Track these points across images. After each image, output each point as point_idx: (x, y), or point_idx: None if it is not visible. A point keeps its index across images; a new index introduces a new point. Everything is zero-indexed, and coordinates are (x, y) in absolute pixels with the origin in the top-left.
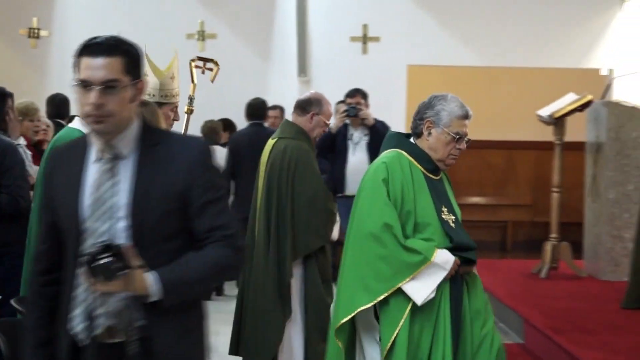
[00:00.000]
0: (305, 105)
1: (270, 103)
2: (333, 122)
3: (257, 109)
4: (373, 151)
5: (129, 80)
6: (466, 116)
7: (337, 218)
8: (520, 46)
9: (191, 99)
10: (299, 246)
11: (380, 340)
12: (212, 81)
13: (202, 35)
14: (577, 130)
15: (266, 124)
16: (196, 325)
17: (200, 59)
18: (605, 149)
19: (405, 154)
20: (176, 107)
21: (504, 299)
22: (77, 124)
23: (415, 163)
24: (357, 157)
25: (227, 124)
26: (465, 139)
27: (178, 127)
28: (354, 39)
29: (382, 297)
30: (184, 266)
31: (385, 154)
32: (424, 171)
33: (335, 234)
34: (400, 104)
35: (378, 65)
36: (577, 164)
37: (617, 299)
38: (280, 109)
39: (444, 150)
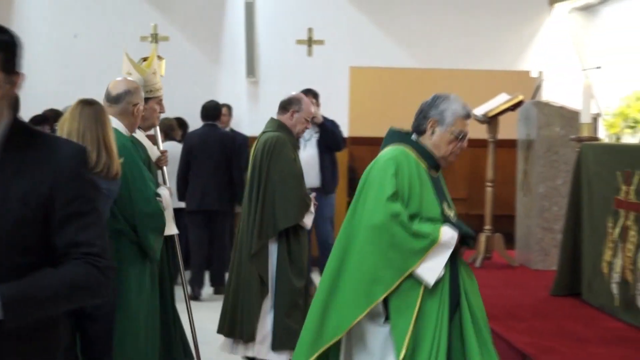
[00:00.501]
0: (286, 105)
1: (220, 102)
2: None
3: (211, 111)
4: (322, 147)
5: (3, 78)
6: (468, 116)
7: (312, 209)
8: (455, 49)
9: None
10: (268, 226)
11: (393, 327)
12: (161, 75)
13: (155, 38)
14: (509, 129)
15: (219, 125)
16: (52, 349)
17: (144, 59)
18: (536, 146)
19: (410, 150)
20: (161, 99)
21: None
22: None
23: (420, 160)
24: (307, 152)
25: (181, 123)
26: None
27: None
28: (299, 42)
29: (397, 284)
30: (32, 283)
31: (391, 150)
32: (426, 168)
33: (308, 222)
34: (343, 103)
35: (322, 66)
36: (509, 160)
37: (546, 286)
38: (228, 107)
39: (447, 148)
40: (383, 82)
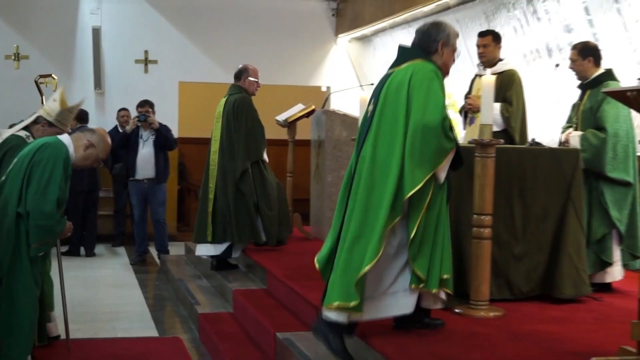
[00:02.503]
0: (238, 74)
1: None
2: (128, 126)
3: (83, 116)
4: (157, 146)
5: None
6: (458, 35)
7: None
8: (264, 68)
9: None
10: (245, 158)
11: (409, 218)
12: (54, 90)
13: (17, 57)
14: (304, 131)
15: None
16: None
17: (41, 76)
18: (325, 145)
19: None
20: (57, 134)
21: (253, 257)
22: None
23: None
24: (145, 150)
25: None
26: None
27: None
28: (137, 61)
29: (425, 179)
30: None
31: (425, 63)
32: None
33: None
34: (173, 111)
35: (156, 81)
36: (304, 156)
37: None
38: (85, 114)
39: (449, 64)
40: (206, 94)
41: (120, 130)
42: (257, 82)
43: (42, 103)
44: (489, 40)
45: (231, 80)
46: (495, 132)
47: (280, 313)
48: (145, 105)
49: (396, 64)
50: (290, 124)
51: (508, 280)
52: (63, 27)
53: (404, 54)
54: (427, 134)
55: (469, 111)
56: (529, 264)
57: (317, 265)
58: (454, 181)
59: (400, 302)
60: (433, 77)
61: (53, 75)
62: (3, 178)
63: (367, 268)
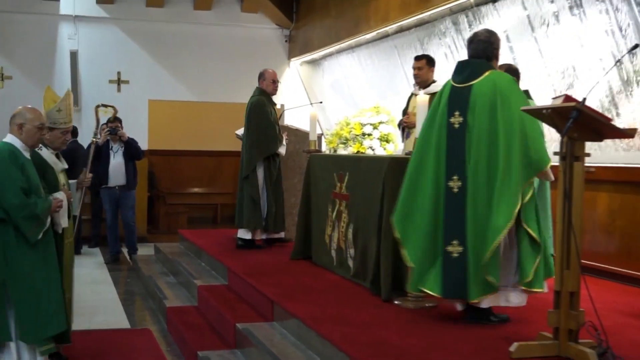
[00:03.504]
0: (259, 77)
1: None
2: (101, 138)
3: (74, 130)
4: (127, 157)
5: None
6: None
7: (284, 141)
8: (225, 88)
9: (94, 133)
10: (253, 156)
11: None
12: (111, 120)
13: (2, 77)
14: None
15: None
16: None
17: (103, 105)
18: (280, 156)
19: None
20: (66, 131)
21: (215, 255)
22: None
23: None
24: (116, 160)
25: None
26: None
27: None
28: (111, 81)
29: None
30: None
31: (499, 72)
32: None
33: (282, 151)
34: (144, 125)
35: (128, 99)
36: None
37: (288, 253)
38: (75, 130)
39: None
40: (173, 110)
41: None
42: (273, 83)
43: (97, 129)
44: (424, 64)
45: (194, 99)
46: None
47: (240, 306)
48: (115, 121)
49: (472, 77)
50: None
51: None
52: (44, 51)
53: (475, 66)
54: (537, 134)
55: (406, 127)
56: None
57: (412, 264)
58: (393, 188)
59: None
60: (514, 82)
61: (115, 107)
62: None
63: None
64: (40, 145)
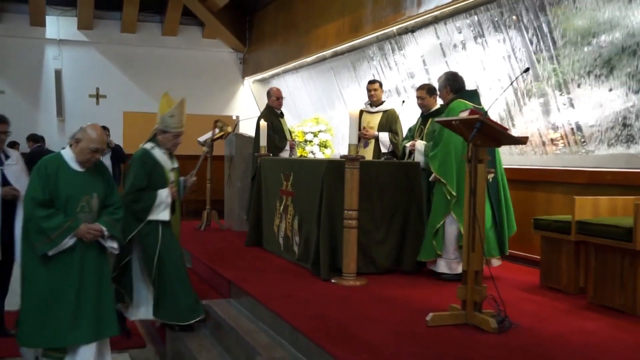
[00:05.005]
0: (267, 96)
1: (38, 134)
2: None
3: (39, 139)
4: (114, 160)
5: None
6: None
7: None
8: (189, 101)
9: (207, 141)
10: (253, 165)
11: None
12: (225, 137)
13: None
14: (220, 149)
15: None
16: None
17: (218, 120)
18: (235, 159)
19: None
20: (177, 135)
21: (182, 244)
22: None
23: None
24: (105, 162)
25: (12, 144)
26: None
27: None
28: (91, 95)
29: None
30: None
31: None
32: None
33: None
34: (119, 135)
35: (106, 111)
36: (220, 167)
37: (242, 240)
38: (42, 138)
39: None
40: (145, 121)
41: None
42: (277, 100)
43: (211, 138)
44: (377, 86)
45: None
46: (385, 153)
47: (202, 286)
48: (104, 130)
49: (477, 102)
50: (210, 143)
51: (372, 258)
52: (31, 69)
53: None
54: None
55: (362, 138)
56: (388, 246)
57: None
58: (330, 186)
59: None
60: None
61: (230, 128)
62: None
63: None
64: (154, 145)
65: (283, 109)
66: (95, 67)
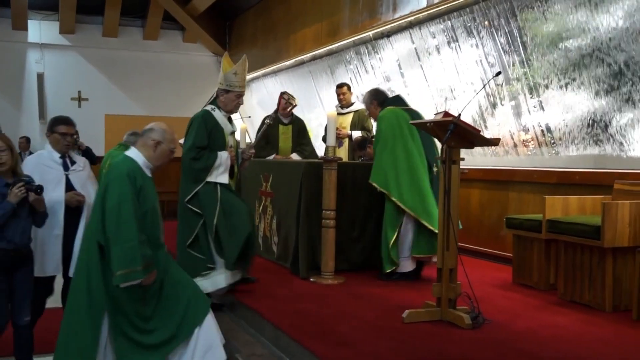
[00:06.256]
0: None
1: (22, 135)
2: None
3: (28, 140)
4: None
5: None
6: None
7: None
8: (168, 104)
9: (271, 116)
10: None
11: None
12: (288, 110)
13: None
14: None
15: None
16: None
17: (285, 92)
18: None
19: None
20: (239, 95)
21: None
22: None
23: None
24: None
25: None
26: None
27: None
28: (72, 98)
29: None
30: None
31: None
32: None
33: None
34: (101, 137)
35: (88, 114)
36: None
37: None
38: (27, 138)
39: None
40: (125, 123)
41: None
42: (279, 107)
43: (274, 113)
44: (346, 89)
45: (144, 113)
46: (360, 155)
47: None
48: (68, 125)
49: (404, 104)
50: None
51: (347, 256)
52: (14, 73)
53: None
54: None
55: (337, 138)
56: (362, 245)
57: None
58: (309, 187)
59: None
60: None
61: (295, 98)
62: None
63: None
64: (214, 106)
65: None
66: (77, 70)
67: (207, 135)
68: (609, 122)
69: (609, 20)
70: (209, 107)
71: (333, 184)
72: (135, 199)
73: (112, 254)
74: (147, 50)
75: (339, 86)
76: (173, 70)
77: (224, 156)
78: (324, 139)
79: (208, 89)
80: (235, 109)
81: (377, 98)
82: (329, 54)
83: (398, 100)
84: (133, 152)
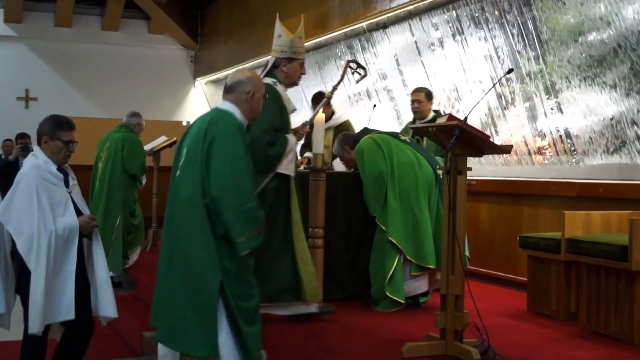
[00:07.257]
0: None
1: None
2: (12, 155)
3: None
4: None
5: None
6: None
7: None
8: (132, 105)
9: (333, 87)
10: None
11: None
12: (357, 82)
13: None
14: (168, 159)
15: None
16: None
17: (353, 61)
18: None
19: None
20: (302, 62)
21: (126, 269)
22: None
23: None
24: None
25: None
26: None
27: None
28: (19, 98)
29: None
30: None
31: None
32: None
33: None
34: None
35: (37, 116)
36: (168, 180)
37: None
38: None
39: None
40: (81, 126)
41: (4, 158)
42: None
43: (336, 84)
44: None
45: (103, 115)
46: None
47: (147, 315)
48: (25, 137)
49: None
50: (154, 153)
51: (342, 281)
52: None
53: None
54: None
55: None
56: (361, 267)
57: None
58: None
59: None
60: None
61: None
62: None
63: None
64: (275, 80)
65: None
66: (24, 65)
67: (279, 114)
68: (637, 127)
69: (638, 10)
70: (269, 81)
71: (321, 197)
72: (248, 155)
73: (229, 218)
74: (107, 43)
75: (314, 100)
76: (136, 66)
77: (292, 140)
78: (305, 146)
79: (177, 87)
80: (298, 81)
81: (347, 142)
82: (317, 47)
83: (368, 131)
84: (228, 106)
